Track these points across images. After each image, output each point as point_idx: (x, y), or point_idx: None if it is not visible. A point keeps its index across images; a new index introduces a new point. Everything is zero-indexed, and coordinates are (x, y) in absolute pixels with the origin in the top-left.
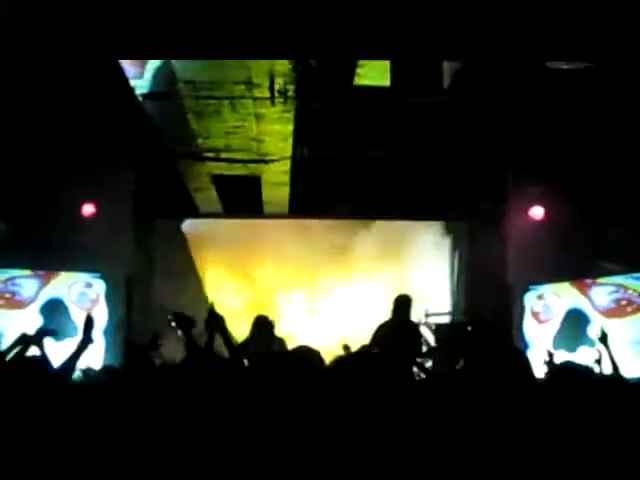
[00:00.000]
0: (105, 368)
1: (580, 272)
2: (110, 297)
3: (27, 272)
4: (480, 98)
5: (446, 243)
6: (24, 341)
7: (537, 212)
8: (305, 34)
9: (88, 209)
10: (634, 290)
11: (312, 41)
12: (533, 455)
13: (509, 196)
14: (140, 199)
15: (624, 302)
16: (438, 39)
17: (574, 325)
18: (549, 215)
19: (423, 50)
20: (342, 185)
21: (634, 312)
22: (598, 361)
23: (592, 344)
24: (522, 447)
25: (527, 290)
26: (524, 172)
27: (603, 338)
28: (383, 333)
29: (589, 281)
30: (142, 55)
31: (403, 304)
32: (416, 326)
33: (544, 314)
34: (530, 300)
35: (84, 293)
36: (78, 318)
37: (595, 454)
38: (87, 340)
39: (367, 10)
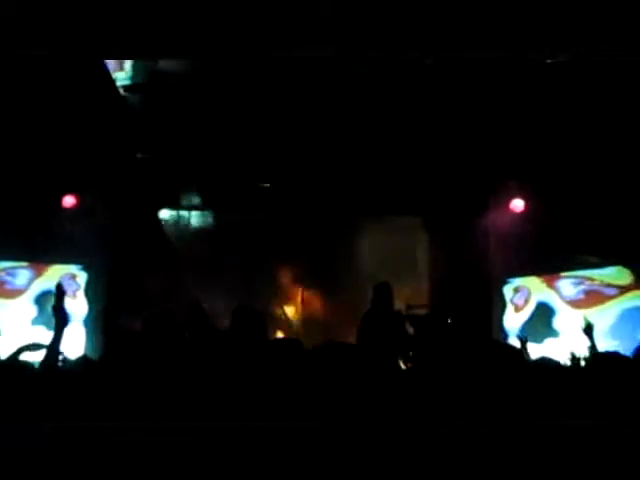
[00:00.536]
0: (82, 358)
1: (557, 265)
2: (90, 288)
3: (23, 263)
4: (461, 93)
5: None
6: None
7: (517, 205)
8: (281, 35)
9: (69, 201)
10: (601, 281)
11: (290, 41)
12: (531, 454)
13: (489, 191)
14: (123, 191)
15: (592, 293)
16: (420, 39)
17: (541, 317)
18: (528, 208)
19: (404, 50)
20: (324, 181)
21: (602, 302)
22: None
23: (557, 335)
24: (520, 446)
25: (505, 283)
26: (504, 167)
27: (587, 329)
28: (368, 323)
29: (555, 274)
30: (138, 55)
31: (383, 292)
32: (399, 315)
33: (522, 303)
34: (508, 292)
35: (68, 284)
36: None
37: (594, 453)
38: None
39: (354, 11)
